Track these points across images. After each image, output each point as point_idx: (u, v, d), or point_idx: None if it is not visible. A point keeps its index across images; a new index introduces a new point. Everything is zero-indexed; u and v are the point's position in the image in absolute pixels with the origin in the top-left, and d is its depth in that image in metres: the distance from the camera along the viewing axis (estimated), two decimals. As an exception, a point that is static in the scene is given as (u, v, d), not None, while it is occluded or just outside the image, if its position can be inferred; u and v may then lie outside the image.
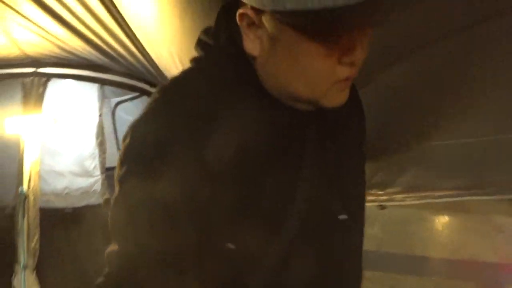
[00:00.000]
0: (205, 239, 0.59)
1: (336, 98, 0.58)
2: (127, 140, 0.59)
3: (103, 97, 3.48)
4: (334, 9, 0.45)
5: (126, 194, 0.59)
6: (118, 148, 3.39)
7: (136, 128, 0.60)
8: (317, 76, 0.56)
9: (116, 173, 0.60)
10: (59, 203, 3.04)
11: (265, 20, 0.53)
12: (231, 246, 0.60)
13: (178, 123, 0.57)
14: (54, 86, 2.45)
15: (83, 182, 3.23)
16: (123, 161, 0.59)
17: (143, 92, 2.10)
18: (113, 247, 0.61)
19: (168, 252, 0.58)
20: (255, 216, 0.61)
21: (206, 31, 0.64)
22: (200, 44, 0.64)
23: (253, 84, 0.60)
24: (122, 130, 3.29)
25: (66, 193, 3.14)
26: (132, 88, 2.08)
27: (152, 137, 0.57)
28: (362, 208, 0.78)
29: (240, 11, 0.54)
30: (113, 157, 3.26)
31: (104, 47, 1.55)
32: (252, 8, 0.52)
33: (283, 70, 0.56)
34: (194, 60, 0.65)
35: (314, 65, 0.54)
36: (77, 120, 3.28)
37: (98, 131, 3.36)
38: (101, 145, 3.36)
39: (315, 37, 0.51)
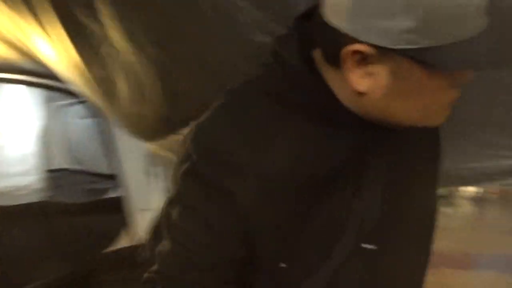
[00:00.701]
0: (257, 255, 0.59)
1: (440, 117, 0.58)
2: (192, 141, 0.59)
3: (48, 100, 3.58)
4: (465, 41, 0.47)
5: (186, 193, 0.60)
6: (63, 150, 3.52)
7: (201, 130, 0.60)
8: (437, 106, 0.55)
9: (178, 170, 0.60)
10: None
11: (391, 57, 0.49)
12: (283, 265, 0.60)
13: (241, 134, 0.57)
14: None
15: (24, 181, 3.37)
16: (185, 159, 0.59)
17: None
18: (166, 244, 0.61)
19: (218, 261, 0.59)
20: (309, 235, 0.59)
21: (282, 41, 0.59)
22: (275, 55, 0.59)
23: (332, 108, 0.56)
24: (68, 132, 3.46)
25: (8, 191, 3.24)
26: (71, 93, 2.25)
27: (216, 143, 0.57)
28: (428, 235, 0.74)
29: (354, 48, 0.50)
30: (58, 159, 3.48)
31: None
32: (370, 45, 0.48)
33: (400, 104, 0.54)
34: (265, 67, 0.61)
35: (437, 98, 0.54)
36: (21, 123, 3.38)
37: (41, 133, 3.50)
38: (45, 146, 3.50)
39: (446, 72, 0.51)
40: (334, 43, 0.51)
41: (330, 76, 0.56)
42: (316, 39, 0.56)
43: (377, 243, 0.63)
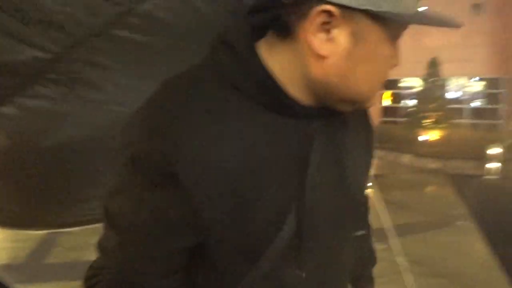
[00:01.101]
0: (205, 249, 0.58)
1: (375, 99, 0.63)
2: (132, 126, 0.57)
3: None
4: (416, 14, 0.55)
5: (129, 184, 0.56)
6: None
7: (145, 112, 0.57)
8: (382, 76, 0.60)
9: (117, 160, 0.58)
10: None
11: (353, 19, 0.52)
12: (222, 263, 0.59)
13: (189, 116, 0.54)
14: None
15: None
16: (125, 147, 0.56)
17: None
18: (111, 238, 0.59)
19: (167, 253, 0.58)
20: (248, 232, 0.57)
21: (231, 30, 0.60)
22: (223, 42, 0.59)
23: (274, 91, 0.57)
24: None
25: None
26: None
27: (161, 126, 0.54)
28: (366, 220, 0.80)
29: (321, 7, 0.51)
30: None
31: None
32: (336, 6, 0.51)
33: (356, 71, 0.56)
34: (213, 54, 0.60)
35: (384, 68, 0.59)
36: None
37: None
38: None
39: (394, 38, 0.57)
40: (297, 7, 0.53)
41: (276, 61, 0.57)
42: (269, 8, 0.57)
43: (311, 240, 0.62)
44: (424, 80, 13.03)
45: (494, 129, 10.37)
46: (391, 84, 15.09)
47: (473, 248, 4.11)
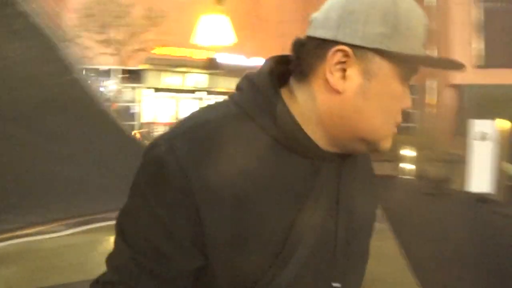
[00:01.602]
0: (210, 268, 0.61)
1: (388, 142, 0.66)
2: (153, 150, 0.61)
3: None
4: (434, 59, 0.67)
5: (143, 203, 0.61)
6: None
7: (163, 138, 0.62)
8: (394, 115, 0.64)
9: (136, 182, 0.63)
10: None
11: (364, 58, 0.60)
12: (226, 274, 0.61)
13: (203, 147, 0.59)
14: None
15: None
16: (145, 168, 0.61)
17: None
18: (122, 253, 0.62)
19: (176, 273, 0.61)
20: (252, 245, 0.60)
21: (256, 73, 0.66)
22: (249, 83, 0.65)
23: (295, 132, 0.62)
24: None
25: None
26: None
27: (179, 154, 0.59)
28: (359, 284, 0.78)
29: (337, 48, 0.59)
30: None
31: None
32: (350, 46, 0.59)
33: (369, 106, 0.61)
34: (238, 92, 0.66)
35: (395, 105, 0.63)
36: None
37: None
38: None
39: (404, 78, 0.62)
40: (317, 50, 0.61)
41: (296, 103, 0.63)
42: (294, 58, 0.65)
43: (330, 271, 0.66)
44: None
45: (408, 131, 11.09)
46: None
47: (387, 250, 4.16)
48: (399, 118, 0.65)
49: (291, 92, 0.65)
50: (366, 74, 0.60)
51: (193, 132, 0.61)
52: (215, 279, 0.62)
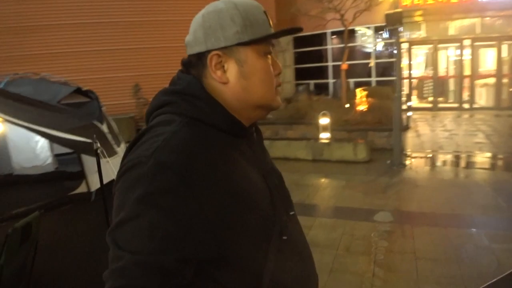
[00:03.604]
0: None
1: (278, 100, 0.90)
2: (155, 158, 0.73)
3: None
4: (274, 34, 0.85)
5: (147, 200, 0.70)
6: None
7: (162, 150, 0.74)
8: (271, 83, 0.87)
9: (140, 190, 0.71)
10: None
11: (232, 53, 0.83)
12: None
13: (197, 150, 0.76)
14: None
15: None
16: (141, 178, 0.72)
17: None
18: (126, 259, 0.67)
19: (183, 263, 0.70)
20: (252, 201, 0.82)
21: (181, 81, 0.88)
22: (179, 93, 0.85)
23: (236, 121, 0.86)
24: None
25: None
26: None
27: (180, 157, 0.73)
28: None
29: (211, 54, 0.83)
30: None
31: None
32: (219, 49, 0.82)
33: (252, 84, 0.84)
34: (172, 104, 0.85)
35: (268, 75, 0.86)
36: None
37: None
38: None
39: (265, 53, 0.86)
40: (199, 62, 0.85)
41: (217, 97, 0.85)
42: (192, 70, 0.87)
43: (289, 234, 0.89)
44: None
45: None
46: None
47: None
48: (277, 81, 0.89)
49: (214, 95, 0.85)
50: (238, 62, 0.84)
51: (167, 144, 0.74)
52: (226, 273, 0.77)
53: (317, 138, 8.26)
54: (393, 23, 6.78)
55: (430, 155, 7.83)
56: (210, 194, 0.73)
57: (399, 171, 6.77)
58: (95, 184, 5.66)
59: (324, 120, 8.21)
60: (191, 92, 0.83)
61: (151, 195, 0.69)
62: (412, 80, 14.00)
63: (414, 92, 13.99)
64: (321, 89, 13.89)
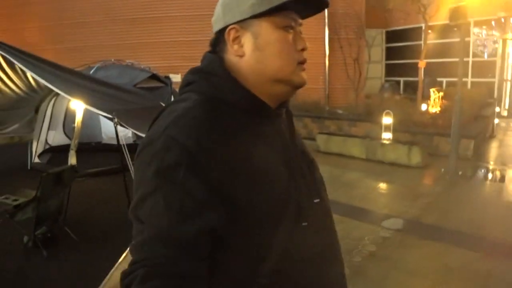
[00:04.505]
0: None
1: (301, 76, 0.87)
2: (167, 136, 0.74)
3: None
4: (287, 2, 0.80)
5: (163, 178, 0.72)
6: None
7: (177, 126, 0.76)
8: (289, 56, 0.84)
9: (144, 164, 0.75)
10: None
11: (248, 26, 0.83)
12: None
13: (210, 127, 0.76)
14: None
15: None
16: (161, 153, 0.73)
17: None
18: (144, 233, 0.71)
19: (198, 233, 0.71)
20: (268, 180, 0.80)
21: (203, 63, 0.88)
22: (200, 72, 0.86)
23: (258, 102, 0.84)
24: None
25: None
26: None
27: (194, 135, 0.74)
28: (325, 190, 0.98)
29: (228, 29, 0.84)
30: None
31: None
32: (235, 23, 0.83)
33: (266, 56, 0.83)
34: (196, 82, 0.86)
35: (286, 48, 0.84)
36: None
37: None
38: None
39: (282, 26, 0.83)
40: (221, 38, 0.86)
41: (241, 77, 0.84)
42: (218, 47, 0.88)
43: (309, 220, 0.85)
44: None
45: None
46: None
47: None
48: (301, 57, 0.86)
49: (233, 71, 0.85)
50: (254, 34, 0.83)
51: (178, 120, 0.76)
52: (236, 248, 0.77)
53: (373, 138, 8.15)
54: (456, 19, 6.30)
55: (498, 169, 7.18)
56: (219, 170, 0.74)
57: (451, 182, 6.42)
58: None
59: (386, 120, 8.04)
60: (210, 70, 0.85)
61: (164, 170, 0.72)
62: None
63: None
64: (412, 87, 13.20)
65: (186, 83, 0.87)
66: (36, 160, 7.32)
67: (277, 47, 0.83)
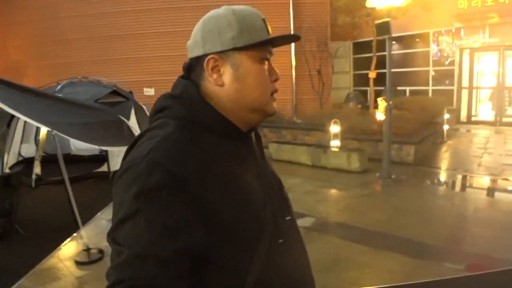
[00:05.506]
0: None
1: (273, 107, 0.93)
2: (149, 160, 0.76)
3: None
4: (267, 40, 0.87)
5: (158, 203, 0.72)
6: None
7: (156, 151, 0.77)
8: (265, 87, 0.90)
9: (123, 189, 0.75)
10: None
11: (227, 57, 0.86)
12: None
13: (189, 152, 0.79)
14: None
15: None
16: (138, 178, 0.74)
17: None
18: (124, 256, 0.70)
19: (179, 255, 0.72)
20: (243, 200, 0.83)
21: (179, 87, 0.90)
22: (176, 97, 0.88)
23: (222, 120, 0.87)
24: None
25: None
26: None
27: (172, 159, 0.76)
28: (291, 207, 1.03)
29: (208, 58, 0.86)
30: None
31: None
32: (215, 53, 0.85)
33: (245, 87, 0.87)
34: (171, 106, 0.88)
35: (263, 80, 0.89)
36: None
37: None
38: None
39: (261, 59, 0.88)
40: (198, 65, 0.89)
41: (214, 103, 0.88)
42: (191, 73, 0.90)
43: (284, 236, 0.89)
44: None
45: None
46: None
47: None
48: (274, 87, 0.92)
49: (208, 97, 0.88)
50: (233, 66, 0.87)
51: (161, 145, 0.78)
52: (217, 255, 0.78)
53: (322, 145, 8.74)
54: (382, 33, 6.91)
55: (434, 173, 7.74)
56: (201, 191, 0.76)
57: (383, 185, 6.98)
58: (114, 166, 7.47)
59: (334, 128, 8.62)
60: (186, 96, 0.87)
61: (147, 192, 0.72)
62: (478, 89, 13.11)
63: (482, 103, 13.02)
64: (378, 96, 13.77)
65: (161, 108, 0.90)
66: (7, 171, 7.97)
67: (256, 79, 0.89)
